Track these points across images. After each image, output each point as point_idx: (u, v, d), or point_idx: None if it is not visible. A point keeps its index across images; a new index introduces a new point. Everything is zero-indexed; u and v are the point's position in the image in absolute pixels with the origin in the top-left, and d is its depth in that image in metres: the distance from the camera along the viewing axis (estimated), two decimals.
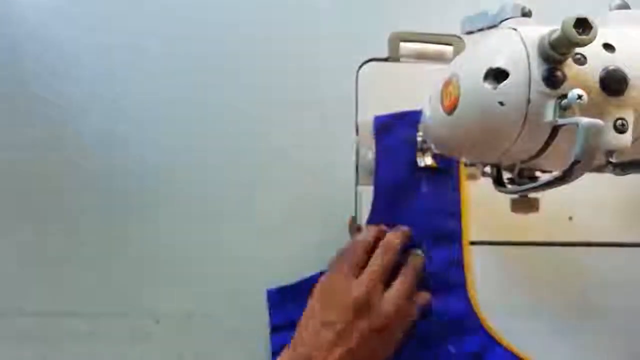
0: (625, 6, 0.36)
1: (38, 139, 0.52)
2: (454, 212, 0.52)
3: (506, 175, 0.40)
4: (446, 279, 0.51)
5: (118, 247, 0.51)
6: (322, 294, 0.46)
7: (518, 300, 0.52)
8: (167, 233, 0.51)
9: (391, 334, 0.46)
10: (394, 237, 0.48)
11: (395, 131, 0.53)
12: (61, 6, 0.54)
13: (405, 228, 0.50)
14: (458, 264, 0.51)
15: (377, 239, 0.48)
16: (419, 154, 0.52)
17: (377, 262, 0.46)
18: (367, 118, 0.54)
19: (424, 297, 0.49)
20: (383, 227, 0.50)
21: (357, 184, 0.53)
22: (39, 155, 0.52)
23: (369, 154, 0.53)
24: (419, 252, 0.50)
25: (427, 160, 0.52)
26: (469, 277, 0.51)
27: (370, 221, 0.51)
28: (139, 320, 0.50)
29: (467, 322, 0.50)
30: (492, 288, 0.51)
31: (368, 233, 0.49)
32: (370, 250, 0.47)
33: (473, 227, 0.52)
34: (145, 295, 0.50)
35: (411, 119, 0.51)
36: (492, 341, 0.50)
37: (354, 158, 0.53)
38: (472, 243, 0.52)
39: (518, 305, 0.52)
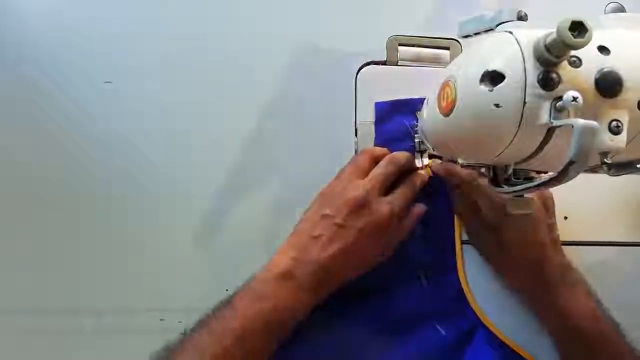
0: (620, 9, 0.37)
1: (38, 141, 0.53)
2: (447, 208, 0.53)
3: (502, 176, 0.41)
4: (439, 262, 0.52)
5: (120, 245, 0.51)
6: (324, 193, 0.48)
7: (509, 300, 0.52)
8: (170, 231, 0.51)
9: (385, 236, 0.47)
10: (401, 154, 0.50)
11: (395, 118, 0.53)
12: (61, 11, 0.54)
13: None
14: (452, 251, 0.53)
15: (384, 155, 0.50)
16: (416, 154, 0.52)
17: (380, 170, 0.48)
18: (366, 120, 0.54)
19: (420, 207, 0.51)
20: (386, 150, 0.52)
21: None
22: (38, 155, 0.52)
23: None
24: (422, 171, 0.52)
25: (424, 161, 0.52)
26: (459, 261, 0.52)
27: None
28: (143, 317, 0.50)
29: (456, 303, 0.51)
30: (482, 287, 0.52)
31: (375, 148, 0.51)
32: (376, 161, 0.49)
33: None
34: (149, 292, 0.51)
35: (411, 106, 0.52)
36: (479, 323, 0.51)
37: None
38: (465, 242, 0.53)
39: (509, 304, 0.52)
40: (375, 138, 0.53)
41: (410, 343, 0.50)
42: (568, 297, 0.46)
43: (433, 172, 0.51)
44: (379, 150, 0.51)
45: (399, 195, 0.48)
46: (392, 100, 0.54)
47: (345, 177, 0.48)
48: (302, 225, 0.47)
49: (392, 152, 0.51)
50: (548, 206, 0.48)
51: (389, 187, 0.49)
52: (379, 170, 0.48)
